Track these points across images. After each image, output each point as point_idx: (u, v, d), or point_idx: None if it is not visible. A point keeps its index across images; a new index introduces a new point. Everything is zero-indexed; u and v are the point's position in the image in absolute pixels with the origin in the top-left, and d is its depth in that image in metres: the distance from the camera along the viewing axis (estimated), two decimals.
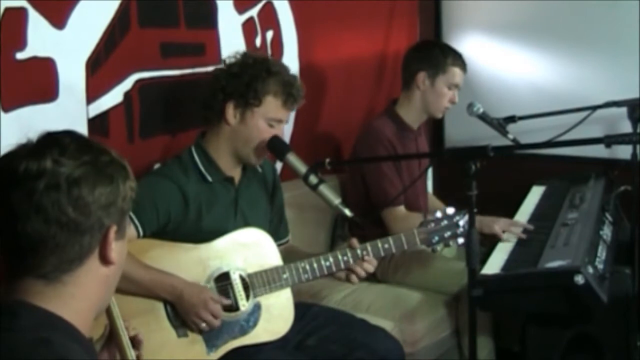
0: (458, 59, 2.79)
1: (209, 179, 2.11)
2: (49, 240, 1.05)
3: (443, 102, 2.79)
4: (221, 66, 2.19)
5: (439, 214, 2.18)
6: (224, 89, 2.10)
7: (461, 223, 2.15)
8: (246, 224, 2.15)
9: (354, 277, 2.12)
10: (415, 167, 2.87)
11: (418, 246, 2.20)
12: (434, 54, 2.80)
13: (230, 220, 2.13)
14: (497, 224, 2.56)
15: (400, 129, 2.82)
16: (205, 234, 2.05)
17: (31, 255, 1.06)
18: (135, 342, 1.36)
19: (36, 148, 1.08)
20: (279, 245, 2.30)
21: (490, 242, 2.58)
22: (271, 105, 2.09)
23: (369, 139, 2.77)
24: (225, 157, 2.14)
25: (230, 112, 2.09)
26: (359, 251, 2.10)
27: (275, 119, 2.11)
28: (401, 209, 2.71)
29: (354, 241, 2.11)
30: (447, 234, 2.17)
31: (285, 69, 2.16)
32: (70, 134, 1.13)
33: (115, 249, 1.12)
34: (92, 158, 1.09)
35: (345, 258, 2.10)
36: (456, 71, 2.78)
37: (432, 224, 2.17)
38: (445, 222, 2.17)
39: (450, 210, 2.18)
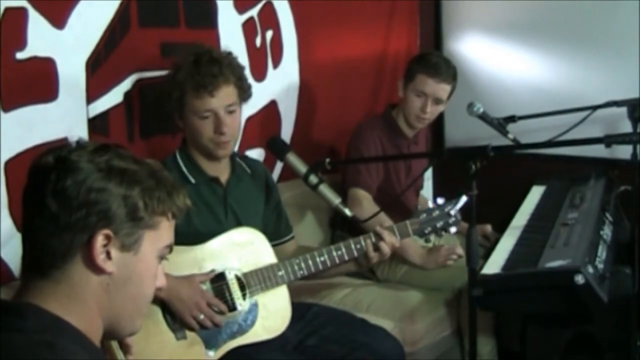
0: (430, 67, 2.70)
1: (192, 180, 2.12)
2: (31, 232, 1.06)
3: (413, 110, 2.75)
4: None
5: (430, 205, 2.19)
6: (169, 108, 2.14)
7: (452, 212, 2.15)
8: (237, 222, 2.15)
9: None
10: (402, 171, 2.86)
11: (411, 237, 2.20)
12: (411, 62, 2.81)
13: (221, 219, 2.14)
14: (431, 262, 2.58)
15: (393, 134, 2.83)
16: (198, 235, 2.04)
17: (25, 249, 1.08)
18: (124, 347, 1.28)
19: (56, 147, 1.08)
20: (284, 243, 2.32)
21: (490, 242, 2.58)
22: (192, 101, 2.08)
23: (355, 139, 2.78)
24: (202, 159, 2.16)
25: (179, 122, 2.15)
26: (352, 246, 2.11)
27: (203, 110, 2.08)
28: (367, 194, 2.67)
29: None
30: (440, 224, 2.17)
31: (188, 60, 2.10)
32: (110, 143, 1.11)
33: (117, 259, 1.06)
34: (101, 160, 1.06)
35: (339, 252, 2.11)
36: (422, 78, 2.71)
37: (424, 215, 2.18)
38: (437, 212, 2.18)
39: (441, 201, 2.19)
